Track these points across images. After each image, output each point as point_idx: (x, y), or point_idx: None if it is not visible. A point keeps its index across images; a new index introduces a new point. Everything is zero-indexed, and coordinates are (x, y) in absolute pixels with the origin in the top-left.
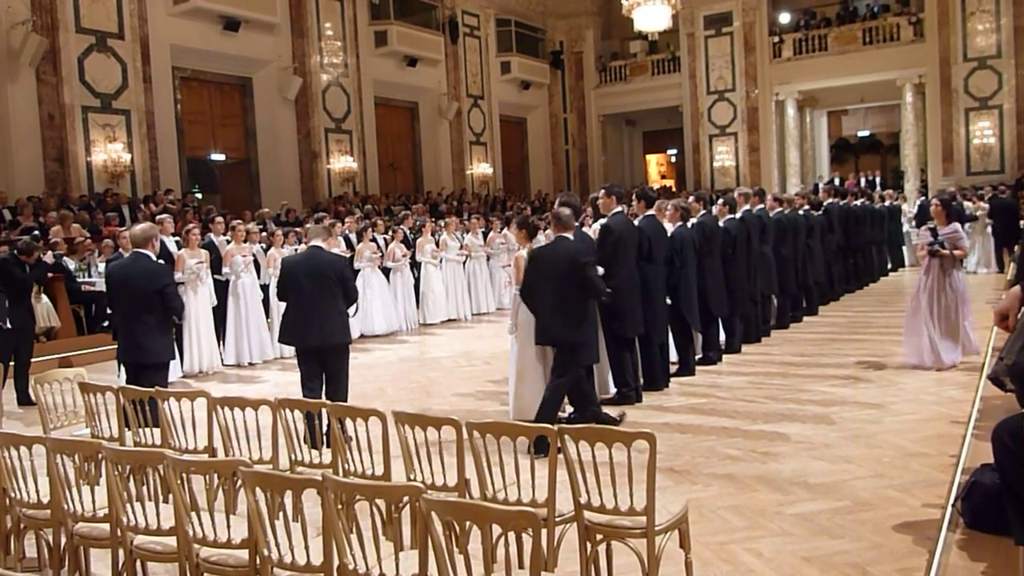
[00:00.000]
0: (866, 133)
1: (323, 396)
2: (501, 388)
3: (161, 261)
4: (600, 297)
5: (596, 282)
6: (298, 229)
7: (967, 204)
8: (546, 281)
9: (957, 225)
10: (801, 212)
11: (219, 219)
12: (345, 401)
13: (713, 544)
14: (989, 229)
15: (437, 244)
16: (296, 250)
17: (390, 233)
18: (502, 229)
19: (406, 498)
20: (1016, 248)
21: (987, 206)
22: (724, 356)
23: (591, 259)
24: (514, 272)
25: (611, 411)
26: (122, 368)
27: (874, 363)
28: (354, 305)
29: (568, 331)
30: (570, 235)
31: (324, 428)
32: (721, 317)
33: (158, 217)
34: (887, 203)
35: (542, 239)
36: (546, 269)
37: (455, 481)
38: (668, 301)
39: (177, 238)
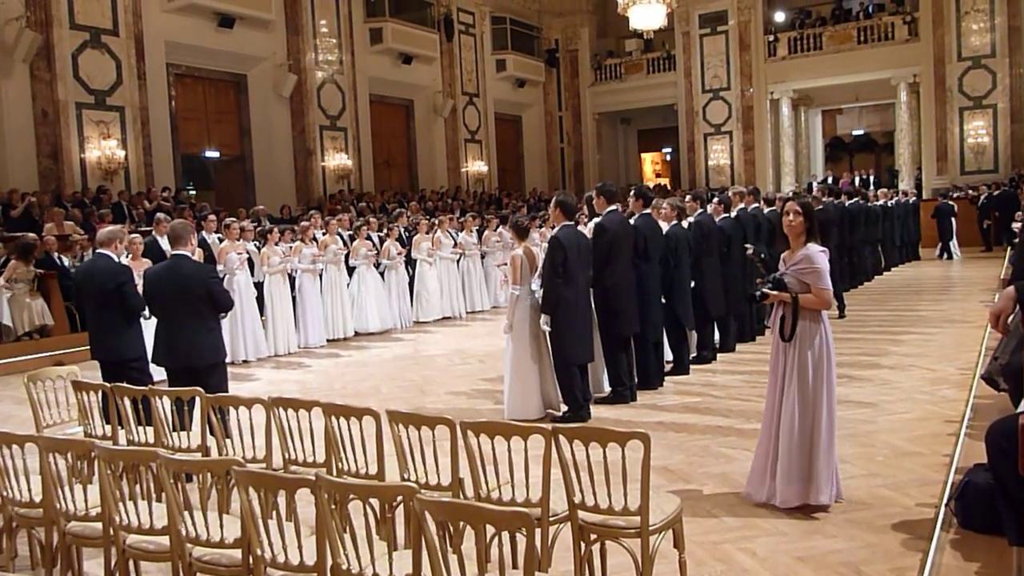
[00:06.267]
0: (860, 132)
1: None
2: (495, 387)
3: (123, 261)
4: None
5: None
6: (293, 227)
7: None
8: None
9: (816, 251)
10: None
11: (212, 217)
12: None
13: (707, 543)
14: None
15: (432, 242)
16: (292, 248)
17: (385, 231)
18: (497, 227)
19: (400, 498)
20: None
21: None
22: (719, 355)
23: None
24: (510, 271)
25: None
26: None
27: (868, 362)
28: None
29: None
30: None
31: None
32: (717, 316)
33: (156, 216)
34: (881, 202)
35: (536, 236)
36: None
37: (449, 481)
38: (663, 300)
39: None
